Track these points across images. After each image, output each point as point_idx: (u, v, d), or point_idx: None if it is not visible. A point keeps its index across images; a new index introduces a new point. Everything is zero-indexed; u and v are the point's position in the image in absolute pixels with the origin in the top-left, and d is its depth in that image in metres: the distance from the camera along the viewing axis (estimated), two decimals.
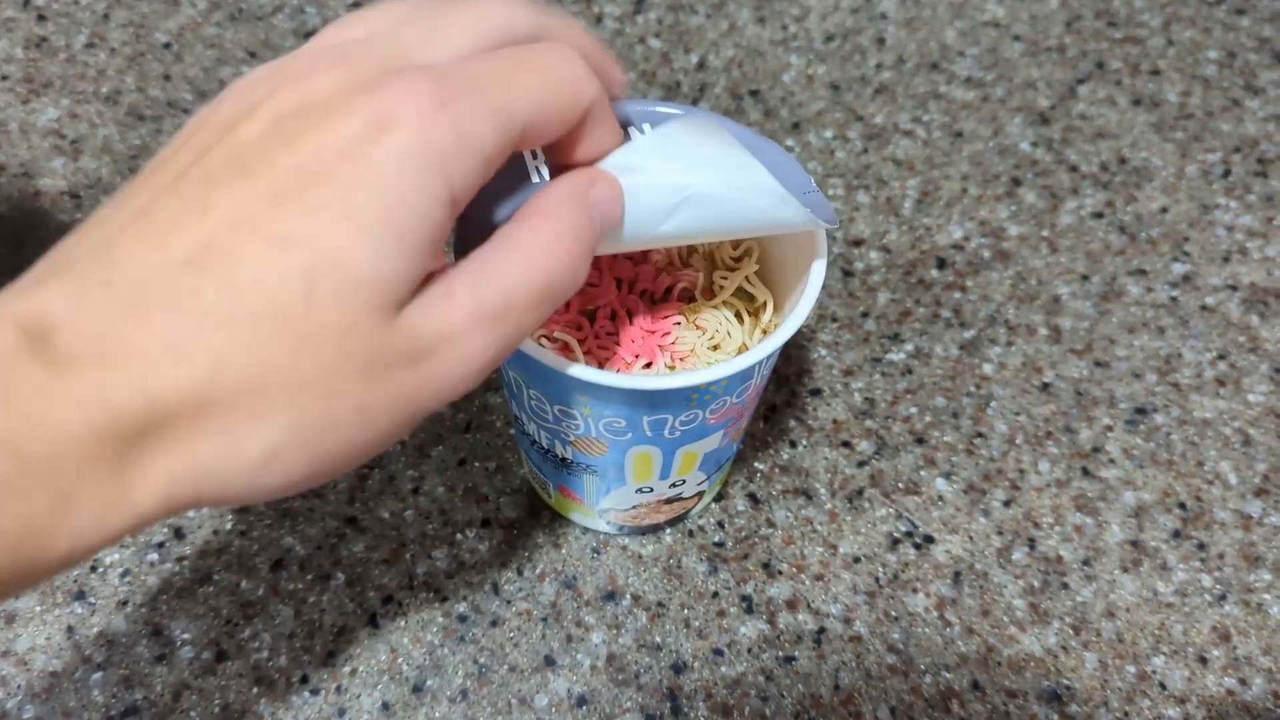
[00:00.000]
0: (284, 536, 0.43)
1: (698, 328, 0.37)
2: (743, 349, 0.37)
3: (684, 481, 0.39)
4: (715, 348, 0.37)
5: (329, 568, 0.43)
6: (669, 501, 0.41)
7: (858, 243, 0.52)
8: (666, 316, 0.37)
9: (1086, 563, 0.44)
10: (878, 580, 0.43)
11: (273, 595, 0.42)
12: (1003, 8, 0.62)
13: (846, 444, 0.46)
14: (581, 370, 0.31)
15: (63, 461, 0.18)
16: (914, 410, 0.47)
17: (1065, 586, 0.43)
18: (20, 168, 0.53)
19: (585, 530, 0.44)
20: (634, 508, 0.41)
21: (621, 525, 0.43)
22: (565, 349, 0.36)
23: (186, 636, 0.41)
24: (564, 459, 0.38)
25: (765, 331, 0.38)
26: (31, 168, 0.53)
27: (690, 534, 0.44)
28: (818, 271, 0.34)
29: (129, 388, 0.19)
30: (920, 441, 0.47)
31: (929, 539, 0.44)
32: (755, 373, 0.34)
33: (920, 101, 0.58)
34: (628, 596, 0.42)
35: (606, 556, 0.43)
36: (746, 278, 0.39)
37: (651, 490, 0.39)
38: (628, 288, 0.38)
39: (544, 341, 0.36)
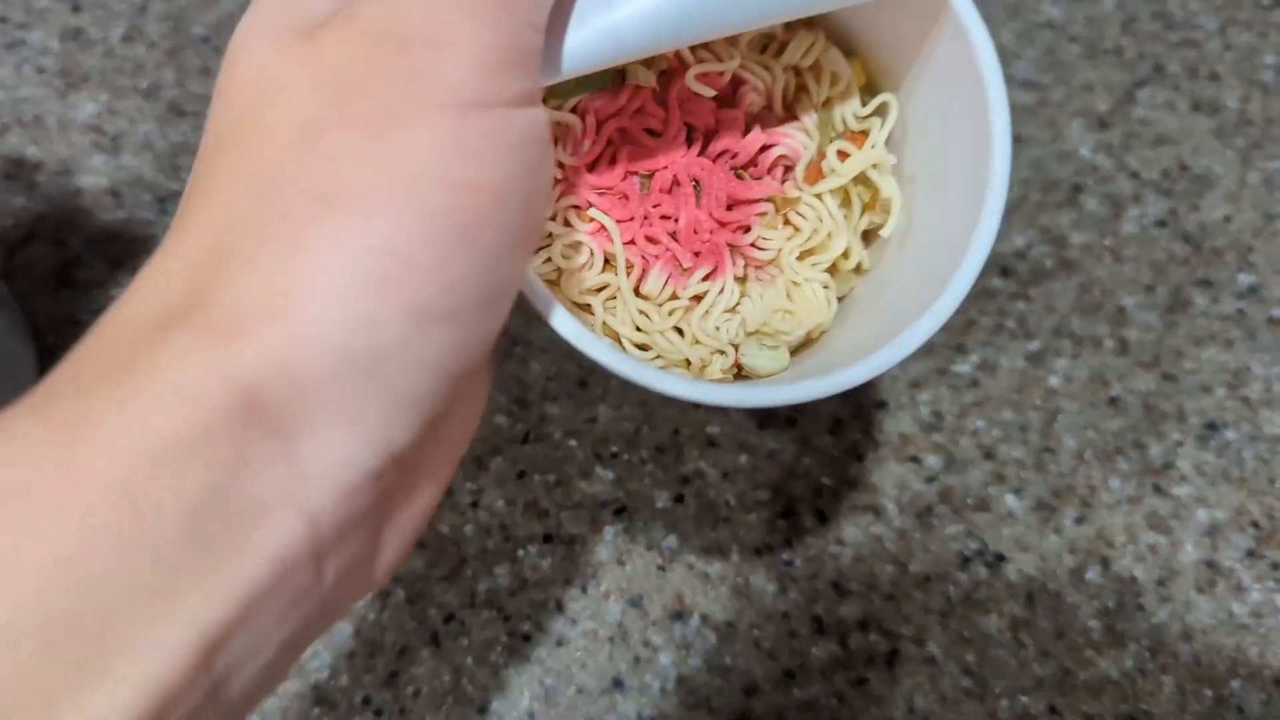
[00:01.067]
0: None
1: (789, 224, 0.28)
2: (845, 256, 0.28)
3: None
4: (809, 254, 0.28)
5: (388, 584, 0.42)
6: None
7: None
8: (751, 202, 0.28)
9: (1161, 583, 0.43)
10: (949, 600, 0.42)
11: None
12: (1058, 8, 0.61)
13: (914, 459, 0.45)
14: (568, 327, 0.23)
15: None
16: (981, 424, 0.46)
17: (1140, 608, 0.42)
18: (60, 164, 0.51)
19: (649, 547, 0.43)
20: None
21: None
22: (601, 232, 0.27)
23: None
24: None
25: (878, 233, 0.28)
26: (71, 164, 0.51)
27: (758, 552, 0.43)
28: (990, 216, 0.24)
29: None
30: (989, 456, 0.46)
31: (1000, 558, 0.43)
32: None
33: None
34: (696, 616, 0.41)
35: (673, 574, 0.42)
36: (875, 164, 0.28)
37: None
38: (702, 143, 0.28)
39: (574, 217, 0.27)
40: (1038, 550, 0.43)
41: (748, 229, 0.27)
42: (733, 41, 0.28)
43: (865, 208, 0.29)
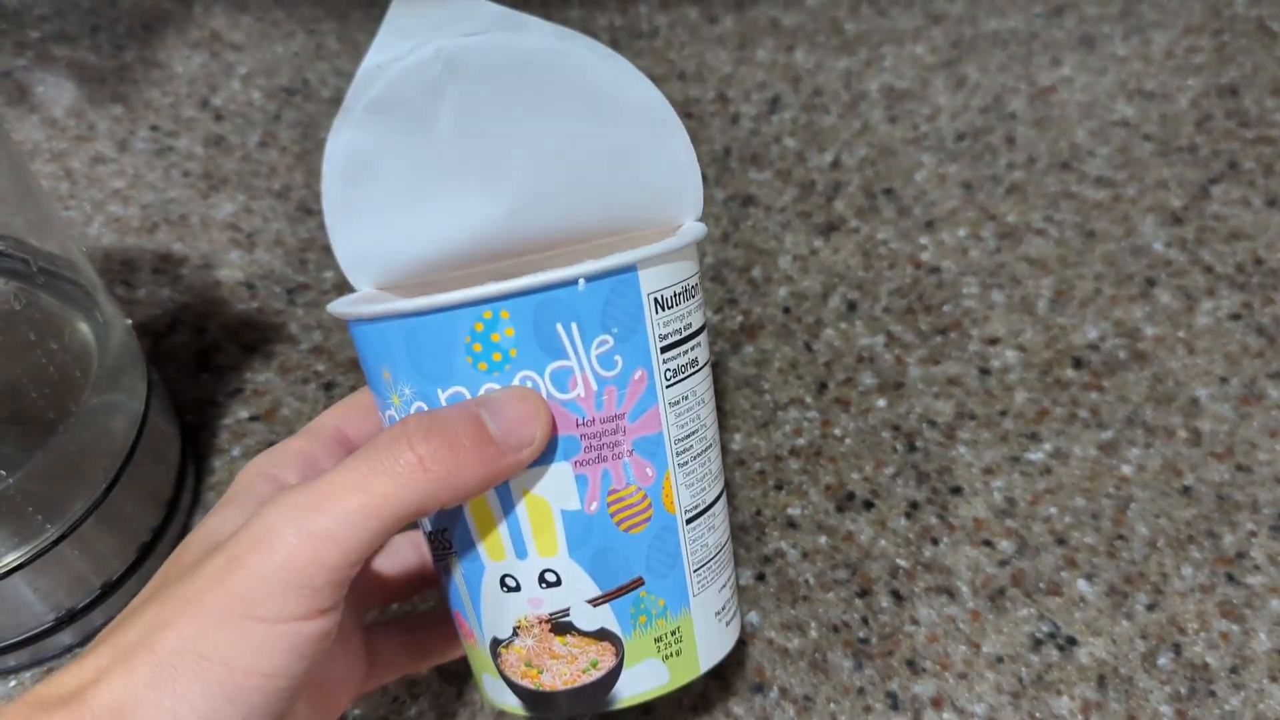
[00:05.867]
0: None
1: None
2: None
3: (557, 578, 0.31)
4: None
5: None
6: (558, 630, 0.32)
7: (993, 341, 0.54)
8: None
9: (1234, 671, 0.44)
10: (1021, 681, 0.44)
11: (436, 674, 0.44)
12: (1132, 107, 0.63)
13: (987, 543, 0.47)
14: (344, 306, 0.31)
15: None
16: (1054, 510, 0.48)
17: (1213, 694, 0.43)
18: (201, 259, 0.57)
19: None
20: (515, 634, 0.32)
21: (521, 686, 0.33)
22: None
23: (357, 714, 0.43)
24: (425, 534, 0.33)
25: None
26: (211, 259, 0.57)
27: (835, 629, 0.45)
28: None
29: None
30: (1061, 542, 0.47)
31: (1072, 641, 0.45)
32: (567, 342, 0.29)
33: (1052, 200, 0.59)
34: (775, 689, 0.44)
35: (753, 649, 0.45)
36: None
37: (519, 587, 0.31)
38: None
39: None
40: (1109, 634, 0.45)
41: None
42: None
43: None
